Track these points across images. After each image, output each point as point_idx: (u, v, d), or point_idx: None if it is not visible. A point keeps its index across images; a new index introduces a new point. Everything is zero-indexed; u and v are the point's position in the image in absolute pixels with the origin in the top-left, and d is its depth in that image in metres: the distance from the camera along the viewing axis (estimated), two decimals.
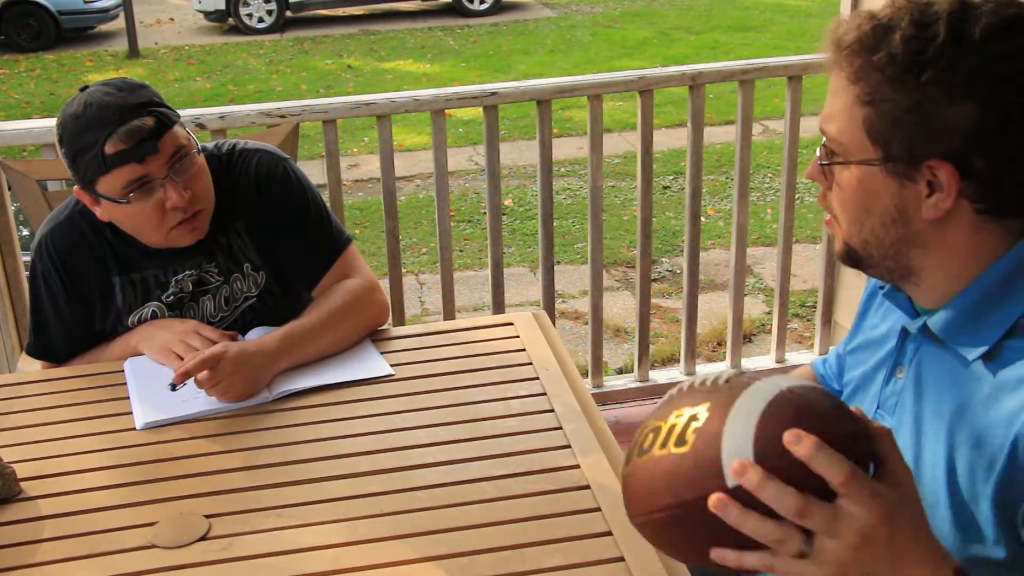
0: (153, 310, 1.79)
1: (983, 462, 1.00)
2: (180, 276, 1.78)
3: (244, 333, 1.78)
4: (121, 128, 1.60)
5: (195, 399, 1.61)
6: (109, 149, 1.60)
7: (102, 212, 1.70)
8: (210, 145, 1.86)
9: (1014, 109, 0.96)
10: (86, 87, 1.67)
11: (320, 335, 1.73)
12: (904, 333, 1.14)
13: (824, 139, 1.08)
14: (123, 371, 1.72)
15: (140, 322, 1.79)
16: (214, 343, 1.67)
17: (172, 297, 1.79)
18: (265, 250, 1.83)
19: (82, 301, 1.79)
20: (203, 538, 1.29)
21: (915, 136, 0.99)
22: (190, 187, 1.67)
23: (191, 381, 1.59)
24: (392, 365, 1.70)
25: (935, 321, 1.07)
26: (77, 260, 1.77)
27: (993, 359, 1.01)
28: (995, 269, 1.03)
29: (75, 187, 1.69)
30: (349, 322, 1.77)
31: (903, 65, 0.98)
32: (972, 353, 1.03)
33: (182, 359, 1.66)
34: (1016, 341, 1.00)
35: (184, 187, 1.66)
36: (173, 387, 1.58)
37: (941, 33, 0.97)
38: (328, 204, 1.94)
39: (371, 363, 1.71)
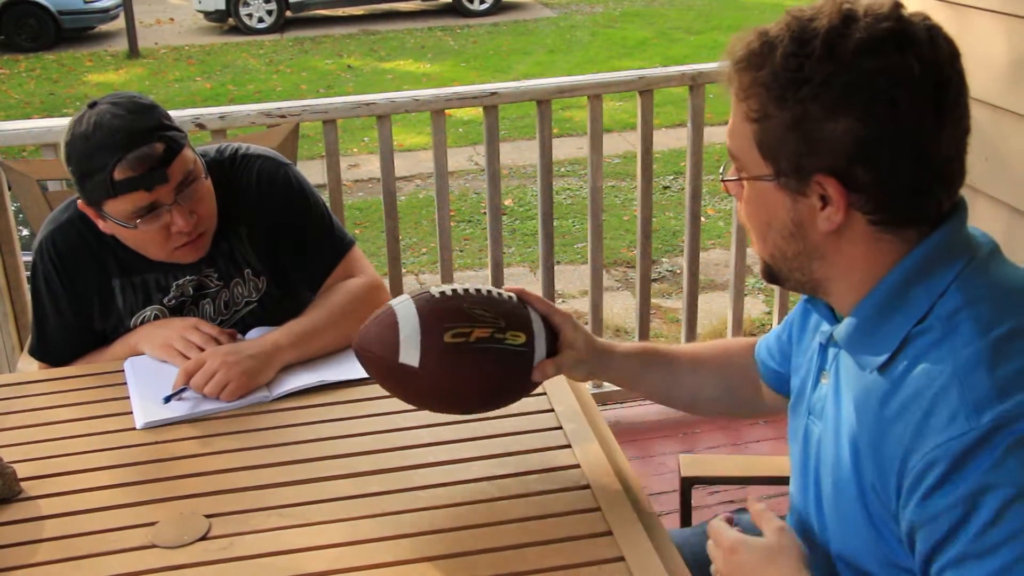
0: (155, 313, 1.79)
1: (879, 477, 1.01)
2: (180, 280, 1.79)
3: (244, 336, 1.77)
4: (130, 155, 1.59)
5: (195, 399, 1.61)
6: (118, 175, 1.59)
7: (105, 227, 1.70)
8: (212, 150, 1.85)
9: (887, 122, 0.97)
10: (95, 103, 1.65)
11: (322, 332, 1.73)
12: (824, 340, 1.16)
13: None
14: (123, 371, 1.72)
15: (142, 324, 1.79)
16: (213, 338, 1.68)
17: (173, 301, 1.79)
18: (267, 255, 1.83)
19: (82, 302, 1.79)
20: (203, 538, 1.29)
21: (799, 152, 1.00)
22: (196, 211, 1.68)
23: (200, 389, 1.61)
24: None
25: (838, 332, 1.09)
26: (77, 262, 1.77)
27: (888, 373, 1.02)
28: (887, 282, 1.03)
29: (79, 200, 1.69)
30: (351, 320, 1.75)
31: (783, 82, 0.99)
32: (868, 365, 1.04)
33: (183, 355, 1.66)
34: (908, 354, 1.00)
35: (190, 211, 1.67)
36: (167, 399, 1.58)
37: (817, 50, 0.97)
38: (328, 204, 1.94)
39: None
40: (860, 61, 0.96)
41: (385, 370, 1.32)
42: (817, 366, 1.18)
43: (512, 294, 1.36)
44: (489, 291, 1.34)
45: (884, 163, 0.98)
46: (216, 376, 1.59)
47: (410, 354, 1.28)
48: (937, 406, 0.95)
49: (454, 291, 1.31)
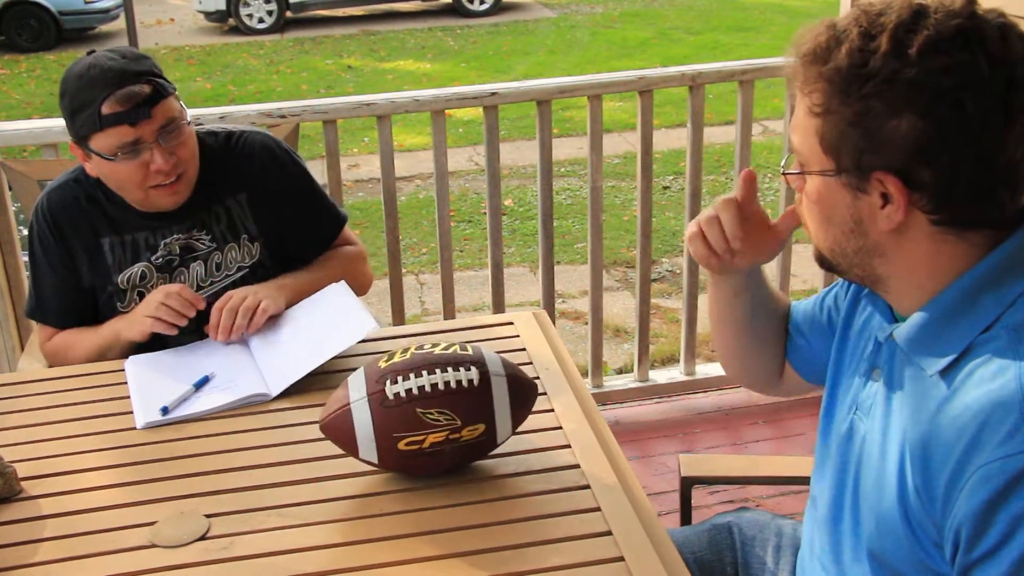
0: (143, 270, 1.86)
1: (924, 481, 1.01)
2: (168, 239, 1.86)
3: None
4: (119, 91, 1.70)
5: (196, 399, 1.61)
6: (105, 109, 1.70)
7: (91, 168, 1.80)
8: (204, 128, 1.94)
9: (951, 122, 0.95)
10: (93, 51, 1.77)
11: (319, 284, 1.84)
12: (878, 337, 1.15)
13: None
14: (123, 371, 1.72)
15: (129, 282, 1.86)
16: (188, 302, 1.76)
17: (161, 259, 1.87)
18: (265, 222, 1.91)
19: (73, 257, 1.87)
20: (203, 538, 1.29)
21: (861, 148, 0.99)
22: (175, 152, 1.77)
23: (217, 378, 1.66)
24: None
25: (900, 333, 1.08)
26: (68, 217, 1.87)
27: (949, 377, 1.01)
28: (956, 287, 1.02)
29: (70, 141, 1.79)
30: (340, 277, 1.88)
31: (847, 77, 0.98)
32: (931, 368, 1.04)
33: (171, 324, 1.75)
34: (971, 361, 1.00)
35: (170, 152, 1.76)
36: (164, 410, 1.57)
37: (883, 45, 0.96)
38: None
39: (355, 322, 1.69)
40: (926, 59, 0.95)
41: (350, 454, 1.38)
42: (869, 363, 1.17)
43: (477, 349, 1.36)
44: (448, 383, 1.30)
45: (946, 164, 0.97)
46: (247, 300, 1.75)
47: (369, 453, 1.35)
48: (996, 418, 0.94)
49: (408, 391, 1.30)
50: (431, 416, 1.30)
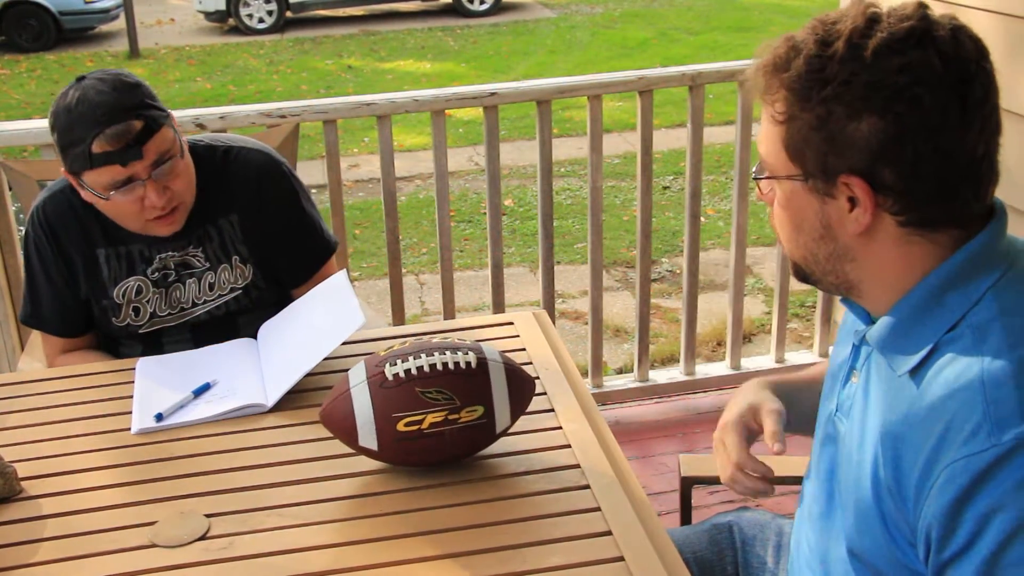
0: (138, 285, 1.85)
1: (895, 481, 1.01)
2: (164, 254, 1.85)
3: (231, 320, 1.86)
4: (108, 130, 1.65)
5: (193, 407, 1.60)
6: (95, 148, 1.66)
7: (85, 196, 1.77)
8: (204, 140, 1.90)
9: (910, 119, 0.97)
10: (83, 78, 1.72)
11: None
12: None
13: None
14: (122, 371, 1.72)
15: (124, 296, 1.85)
16: None
17: (156, 273, 1.85)
18: (256, 244, 1.88)
19: (70, 268, 1.85)
20: (203, 537, 1.29)
21: (824, 152, 1.01)
22: (170, 186, 1.74)
23: (218, 386, 1.64)
24: None
25: (872, 333, 1.09)
26: (65, 228, 1.84)
27: (917, 376, 1.02)
28: (922, 286, 1.03)
29: (63, 168, 1.75)
30: None
31: (807, 83, 1.00)
32: (901, 367, 1.04)
33: None
34: (937, 360, 1.00)
35: (164, 187, 1.72)
36: (159, 417, 1.56)
37: (840, 50, 0.98)
38: (328, 204, 1.98)
39: (345, 318, 1.67)
40: (882, 60, 0.97)
41: (350, 445, 1.38)
42: (849, 364, 1.18)
43: (475, 342, 1.38)
44: (446, 364, 1.33)
45: (908, 162, 0.98)
46: None
47: (368, 439, 1.34)
48: (960, 417, 0.95)
49: (408, 372, 1.32)
50: (430, 395, 1.32)
